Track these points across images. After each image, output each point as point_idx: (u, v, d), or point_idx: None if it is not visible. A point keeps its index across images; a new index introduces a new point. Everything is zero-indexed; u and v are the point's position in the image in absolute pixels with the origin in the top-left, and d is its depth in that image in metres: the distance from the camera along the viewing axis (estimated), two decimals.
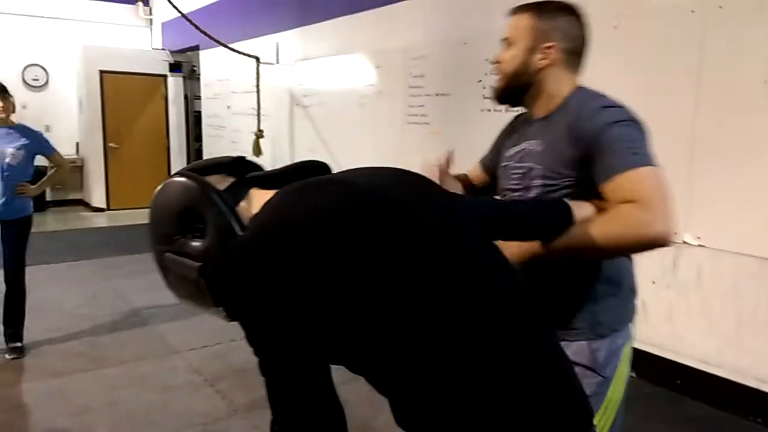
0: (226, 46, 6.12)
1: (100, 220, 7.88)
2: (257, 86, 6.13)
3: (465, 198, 1.07)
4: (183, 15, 5.86)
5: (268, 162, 6.34)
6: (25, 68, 8.13)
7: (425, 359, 0.81)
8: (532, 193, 1.32)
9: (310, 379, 0.85)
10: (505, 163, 1.42)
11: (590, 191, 1.23)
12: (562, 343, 1.23)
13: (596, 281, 1.31)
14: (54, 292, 4.49)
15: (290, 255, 0.82)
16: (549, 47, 1.32)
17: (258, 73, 6.11)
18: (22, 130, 3.40)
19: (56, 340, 3.57)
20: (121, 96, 8.28)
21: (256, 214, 0.90)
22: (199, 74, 8.13)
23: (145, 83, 8.47)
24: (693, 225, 2.77)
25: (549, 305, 1.27)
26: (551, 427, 0.84)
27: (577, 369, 1.20)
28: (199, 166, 0.97)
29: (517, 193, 1.37)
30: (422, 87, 4.41)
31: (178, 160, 8.84)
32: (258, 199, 0.94)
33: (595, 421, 1.28)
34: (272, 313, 0.82)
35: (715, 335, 2.83)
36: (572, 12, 1.35)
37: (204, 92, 7.90)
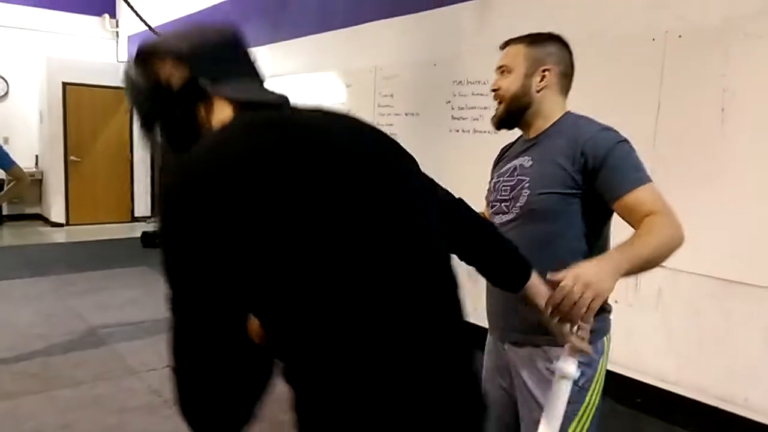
0: None
1: (59, 236, 7.64)
2: None
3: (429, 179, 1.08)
4: (150, 28, 5.79)
5: None
6: None
7: (325, 311, 0.80)
8: (521, 202, 1.47)
9: (227, 322, 0.80)
10: (497, 180, 1.57)
11: (571, 201, 1.41)
12: (544, 348, 1.43)
13: None
14: (7, 309, 4.31)
15: (226, 192, 0.77)
16: (546, 70, 1.48)
17: None
18: None
19: (8, 360, 3.42)
20: (85, 109, 8.10)
21: (206, 139, 0.87)
22: None
23: (110, 96, 8.29)
24: None
25: (524, 310, 1.33)
26: (446, 408, 0.85)
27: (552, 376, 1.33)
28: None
29: (506, 203, 1.51)
30: (392, 106, 4.45)
31: (142, 175, 8.66)
32: (218, 113, 0.90)
33: (570, 430, 1.40)
34: (198, 245, 0.77)
35: (674, 354, 2.89)
36: (560, 40, 1.52)
37: None
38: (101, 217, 8.19)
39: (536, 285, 1.17)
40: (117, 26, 8.73)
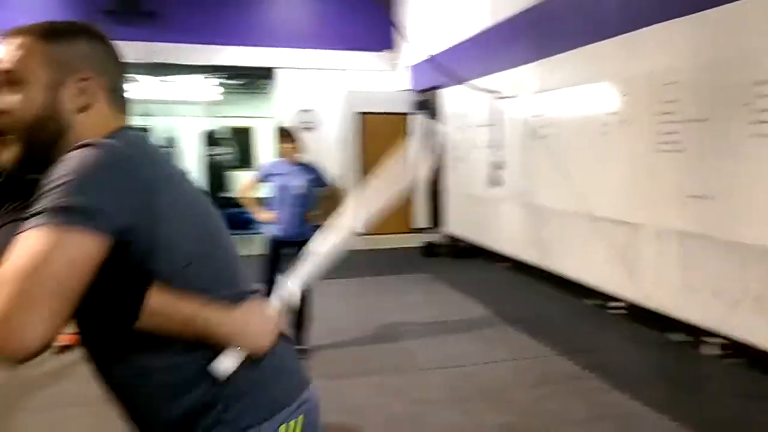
0: (466, 84, 6.54)
1: (359, 243, 8.88)
2: (496, 119, 6.41)
3: None
4: (429, 58, 6.45)
5: (510, 192, 6.54)
6: (300, 113, 9.70)
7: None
8: None
9: None
10: None
11: None
12: None
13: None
14: (328, 304, 5.08)
15: None
16: None
17: (497, 106, 6.39)
18: (307, 166, 4.13)
19: (329, 346, 4.18)
20: (375, 133, 9.33)
21: None
22: (441, 111, 8.76)
23: (393, 121, 9.40)
24: None
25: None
26: None
27: None
28: None
29: None
30: (673, 113, 4.18)
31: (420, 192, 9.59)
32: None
33: None
34: None
35: None
36: None
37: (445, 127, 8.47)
38: (387, 228, 9.29)
39: None
40: (400, 59, 9.84)
